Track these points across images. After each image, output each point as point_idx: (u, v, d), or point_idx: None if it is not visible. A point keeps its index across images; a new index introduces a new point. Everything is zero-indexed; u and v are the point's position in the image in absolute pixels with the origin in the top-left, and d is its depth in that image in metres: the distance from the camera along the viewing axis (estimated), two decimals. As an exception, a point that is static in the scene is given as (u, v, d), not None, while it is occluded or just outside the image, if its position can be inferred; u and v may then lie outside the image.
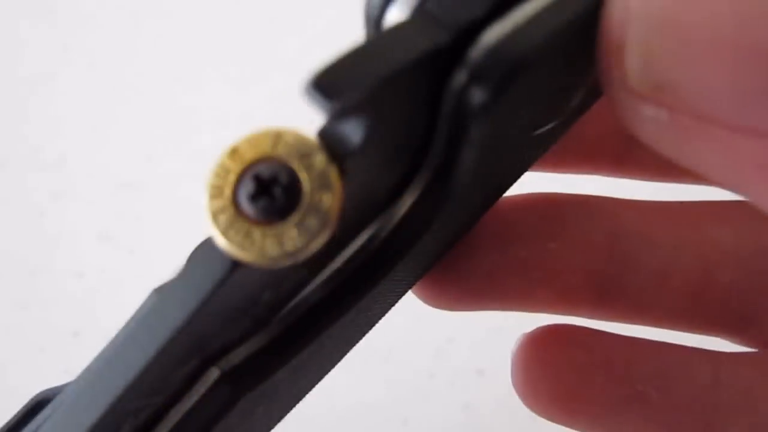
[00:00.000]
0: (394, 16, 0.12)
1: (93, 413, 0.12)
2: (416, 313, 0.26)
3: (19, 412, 0.16)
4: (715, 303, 0.20)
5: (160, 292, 0.13)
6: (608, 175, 0.20)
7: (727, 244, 0.19)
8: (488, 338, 0.28)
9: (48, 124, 0.36)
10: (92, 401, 0.12)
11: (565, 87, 0.14)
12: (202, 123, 0.36)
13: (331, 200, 0.11)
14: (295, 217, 0.11)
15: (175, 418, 0.14)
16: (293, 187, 0.11)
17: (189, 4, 0.38)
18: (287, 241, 0.11)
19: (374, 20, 0.12)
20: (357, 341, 0.18)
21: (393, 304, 0.18)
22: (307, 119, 0.35)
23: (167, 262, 0.32)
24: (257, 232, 0.11)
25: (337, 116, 0.10)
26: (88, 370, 0.13)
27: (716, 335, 0.20)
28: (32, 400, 0.16)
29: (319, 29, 0.37)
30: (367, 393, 0.20)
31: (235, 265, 0.11)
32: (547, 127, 0.15)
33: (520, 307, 0.20)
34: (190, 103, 0.36)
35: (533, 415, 0.28)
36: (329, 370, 0.19)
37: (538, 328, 0.20)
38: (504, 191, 0.18)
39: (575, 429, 0.20)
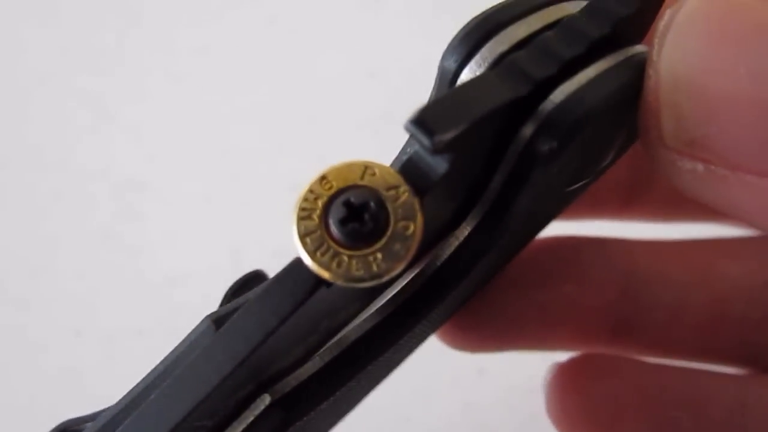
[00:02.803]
0: (468, 75, 0.13)
1: (163, 427, 0.13)
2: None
3: None
4: (728, 336, 0.21)
5: (214, 317, 0.14)
6: (612, 220, 0.22)
7: (737, 279, 0.21)
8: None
9: (49, 124, 0.36)
10: (162, 414, 0.13)
11: (604, 146, 0.15)
12: (204, 123, 0.36)
13: (413, 228, 0.12)
14: (381, 242, 0.12)
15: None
16: (381, 215, 0.12)
17: (195, 6, 0.38)
18: (373, 264, 0.12)
19: (450, 77, 0.13)
20: (378, 385, 0.19)
21: (414, 350, 0.19)
22: (305, 119, 0.35)
23: (168, 262, 0.32)
24: (345, 255, 0.12)
25: (434, 151, 0.11)
26: (160, 381, 0.14)
27: (731, 366, 0.21)
28: (55, 429, 0.17)
29: (317, 36, 0.37)
30: (368, 392, 0.20)
31: (319, 283, 0.12)
32: (579, 184, 0.16)
33: (538, 347, 0.21)
34: (190, 103, 0.36)
35: (533, 414, 0.28)
36: (350, 411, 0.20)
37: (570, 358, 0.21)
38: (526, 244, 0.19)
39: None
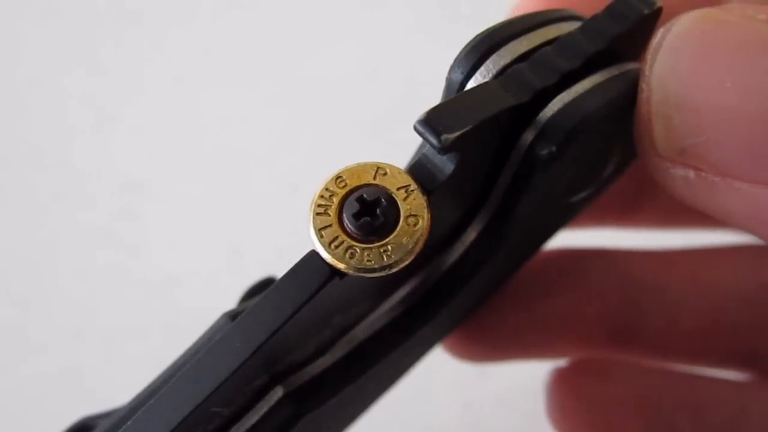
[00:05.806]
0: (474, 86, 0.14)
1: (182, 409, 0.13)
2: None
3: None
4: (724, 340, 0.21)
5: (231, 313, 0.15)
6: (614, 228, 0.22)
7: (729, 285, 0.21)
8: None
9: (50, 123, 0.36)
10: (181, 397, 0.13)
11: (601, 157, 0.16)
12: (203, 123, 0.36)
13: (421, 224, 0.13)
14: (391, 236, 0.13)
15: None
16: (392, 210, 0.13)
17: (194, 6, 0.38)
18: (383, 256, 0.13)
19: (456, 88, 0.14)
20: (385, 391, 0.20)
21: (421, 357, 0.20)
22: (304, 119, 0.35)
23: (168, 262, 0.32)
24: (357, 247, 0.13)
25: (441, 149, 0.12)
26: (180, 366, 0.15)
27: (730, 370, 0.21)
28: (74, 425, 0.17)
29: (317, 36, 0.37)
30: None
31: (333, 273, 0.13)
32: (581, 195, 0.17)
33: (541, 356, 0.21)
34: (190, 103, 0.36)
35: (533, 414, 0.28)
36: (358, 416, 0.20)
37: (570, 362, 0.21)
38: (531, 256, 0.19)
39: None
